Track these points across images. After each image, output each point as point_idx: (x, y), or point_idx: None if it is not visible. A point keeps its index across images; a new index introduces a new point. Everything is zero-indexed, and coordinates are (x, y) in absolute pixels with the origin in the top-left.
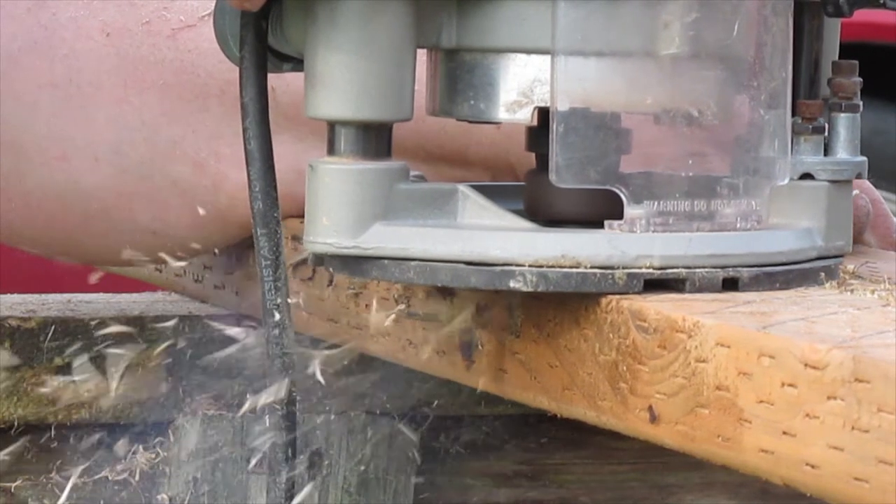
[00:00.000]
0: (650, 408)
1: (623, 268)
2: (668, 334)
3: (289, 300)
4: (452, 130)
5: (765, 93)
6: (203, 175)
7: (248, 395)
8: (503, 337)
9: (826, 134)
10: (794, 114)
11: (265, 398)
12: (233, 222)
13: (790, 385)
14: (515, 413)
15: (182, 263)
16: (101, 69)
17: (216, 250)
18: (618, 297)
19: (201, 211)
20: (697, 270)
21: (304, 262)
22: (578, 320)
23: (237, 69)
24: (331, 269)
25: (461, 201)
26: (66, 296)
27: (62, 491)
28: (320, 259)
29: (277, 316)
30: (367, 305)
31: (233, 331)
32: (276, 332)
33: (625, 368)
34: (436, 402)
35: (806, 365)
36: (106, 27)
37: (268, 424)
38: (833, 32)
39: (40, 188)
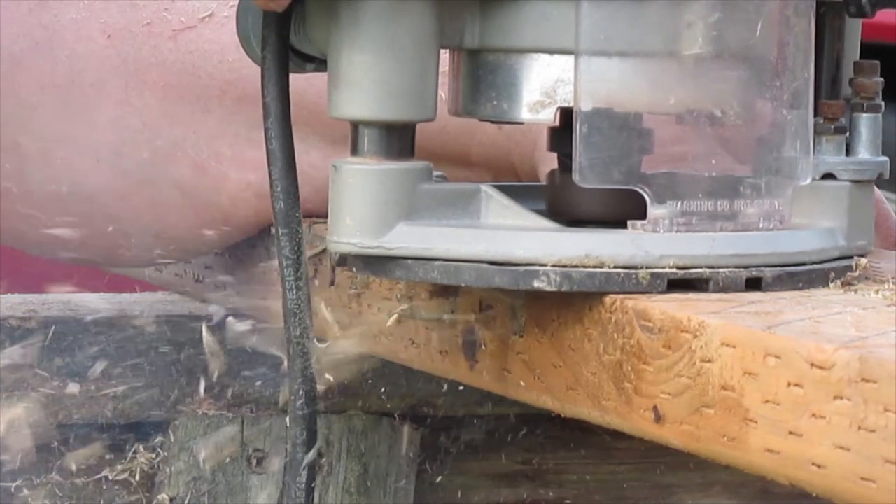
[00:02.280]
0: (655, 408)
1: (647, 267)
2: (673, 334)
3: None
4: (454, 130)
5: (787, 93)
6: (204, 176)
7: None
8: (507, 337)
9: (848, 134)
10: (815, 114)
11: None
12: (234, 223)
13: (796, 385)
14: (515, 412)
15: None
16: (103, 70)
17: (217, 250)
18: (622, 296)
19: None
20: (721, 270)
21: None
22: (582, 320)
23: (238, 70)
24: (354, 269)
25: (484, 201)
26: (67, 296)
27: (62, 491)
28: (343, 259)
29: (299, 316)
30: (369, 305)
31: None
32: (298, 332)
33: (629, 368)
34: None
35: (812, 365)
36: (107, 28)
37: (288, 424)
38: (854, 33)
39: (42, 189)
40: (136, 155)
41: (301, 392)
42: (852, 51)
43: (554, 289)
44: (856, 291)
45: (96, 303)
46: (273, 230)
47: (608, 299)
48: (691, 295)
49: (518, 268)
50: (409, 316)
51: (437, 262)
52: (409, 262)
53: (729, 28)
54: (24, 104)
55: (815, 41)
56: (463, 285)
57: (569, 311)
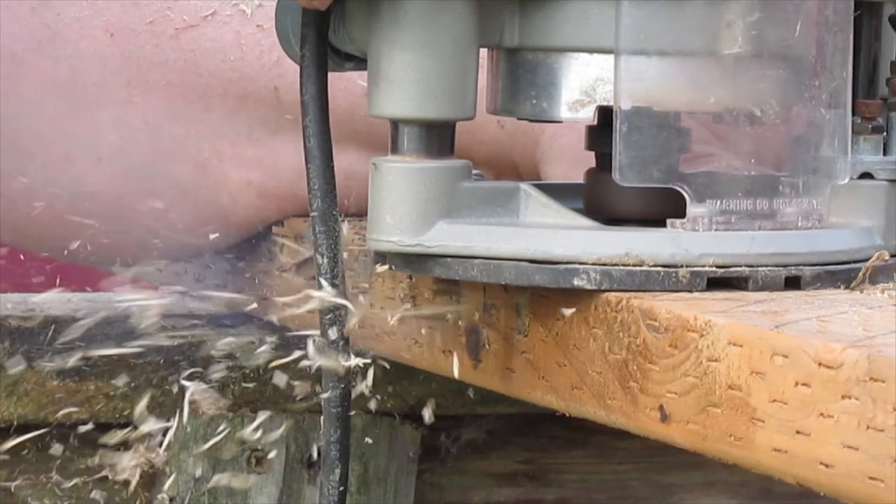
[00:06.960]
0: (661, 407)
1: (686, 266)
2: (679, 333)
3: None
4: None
5: (826, 92)
6: (205, 175)
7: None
8: (511, 336)
9: (885, 133)
10: (853, 113)
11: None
12: (235, 222)
13: (804, 384)
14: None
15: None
16: (105, 69)
17: (218, 250)
18: (628, 295)
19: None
20: (760, 269)
21: (307, 261)
22: (588, 319)
23: (240, 69)
24: (393, 267)
25: (523, 199)
26: (67, 295)
27: (62, 490)
28: (382, 257)
29: (335, 313)
30: (371, 305)
31: None
32: (334, 331)
33: (635, 367)
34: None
35: (820, 364)
36: (110, 27)
37: (322, 423)
38: (891, 33)
39: (43, 188)
40: (138, 154)
41: (336, 391)
42: (889, 50)
43: (594, 287)
44: (862, 291)
45: (97, 302)
46: (273, 229)
47: (613, 298)
48: (696, 294)
49: (558, 266)
50: (412, 315)
51: (476, 261)
52: (449, 260)
53: (768, 27)
54: (26, 103)
55: (852, 41)
56: (503, 283)
57: (574, 310)
